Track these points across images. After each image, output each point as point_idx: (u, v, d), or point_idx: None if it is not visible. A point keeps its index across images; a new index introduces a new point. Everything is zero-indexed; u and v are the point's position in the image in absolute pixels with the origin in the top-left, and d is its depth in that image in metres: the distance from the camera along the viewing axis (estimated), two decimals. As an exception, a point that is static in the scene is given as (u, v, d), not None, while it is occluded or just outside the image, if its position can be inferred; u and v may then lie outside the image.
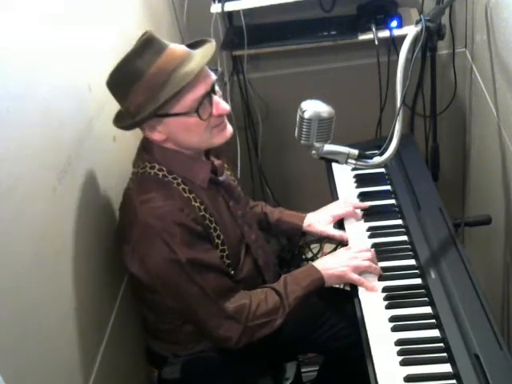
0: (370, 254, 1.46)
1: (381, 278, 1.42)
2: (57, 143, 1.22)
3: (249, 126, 2.43)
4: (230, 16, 2.25)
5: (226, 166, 1.54)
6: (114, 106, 1.37)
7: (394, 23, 2.08)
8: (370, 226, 1.59)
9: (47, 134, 1.18)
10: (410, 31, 1.44)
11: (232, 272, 1.44)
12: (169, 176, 1.36)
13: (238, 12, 2.11)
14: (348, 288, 1.52)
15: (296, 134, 1.33)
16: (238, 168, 2.35)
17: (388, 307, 1.34)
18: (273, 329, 1.40)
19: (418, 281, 1.39)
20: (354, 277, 1.42)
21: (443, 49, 2.23)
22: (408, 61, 1.35)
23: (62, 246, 1.21)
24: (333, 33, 2.13)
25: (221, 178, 1.47)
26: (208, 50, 1.33)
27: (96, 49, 1.49)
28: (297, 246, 2.60)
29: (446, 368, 1.17)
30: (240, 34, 2.14)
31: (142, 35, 1.29)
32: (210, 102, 1.31)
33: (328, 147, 1.32)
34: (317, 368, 1.84)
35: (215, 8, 2.09)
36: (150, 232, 1.30)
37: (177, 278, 1.32)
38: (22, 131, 1.08)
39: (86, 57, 1.42)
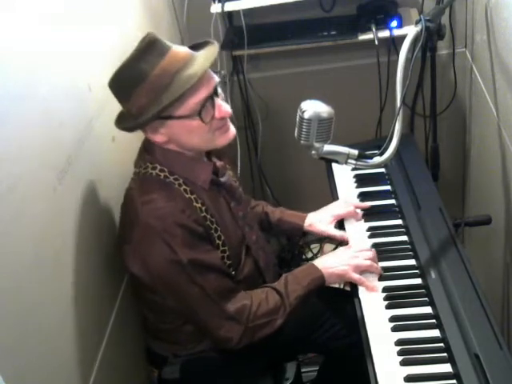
0: (371, 253, 1.45)
1: (381, 278, 1.42)
2: (57, 143, 1.22)
3: (249, 126, 2.43)
4: (230, 16, 2.25)
5: (227, 166, 1.54)
6: (114, 107, 1.37)
7: (394, 23, 2.08)
8: (370, 226, 1.59)
9: (47, 134, 1.18)
10: (410, 31, 1.44)
11: (233, 273, 1.44)
12: (170, 177, 1.36)
13: (238, 12, 2.11)
14: (348, 288, 1.52)
15: (296, 134, 1.32)
16: (238, 168, 2.35)
17: (388, 307, 1.33)
18: (273, 329, 1.40)
19: (418, 281, 1.39)
20: (355, 276, 1.42)
21: (443, 49, 2.23)
22: (408, 61, 1.35)
23: (62, 246, 1.21)
24: (333, 33, 2.13)
25: (222, 179, 1.47)
26: (211, 52, 1.33)
27: (96, 49, 1.49)
28: (297, 246, 2.60)
29: (446, 368, 1.17)
30: (240, 33, 2.14)
31: (145, 37, 1.29)
32: (213, 105, 1.31)
33: (328, 147, 1.31)
34: (317, 368, 1.84)
35: (215, 8, 2.09)
36: (151, 232, 1.30)
37: (178, 278, 1.32)
38: (21, 131, 1.08)
39: (85, 57, 1.42)
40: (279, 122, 2.40)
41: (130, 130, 1.35)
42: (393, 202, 1.67)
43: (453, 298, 1.29)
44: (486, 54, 1.77)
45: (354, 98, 2.29)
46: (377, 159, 1.33)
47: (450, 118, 2.32)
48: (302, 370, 1.77)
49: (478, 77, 1.95)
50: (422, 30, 1.45)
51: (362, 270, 1.43)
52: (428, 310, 1.31)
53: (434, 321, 1.28)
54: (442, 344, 1.22)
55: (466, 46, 2.19)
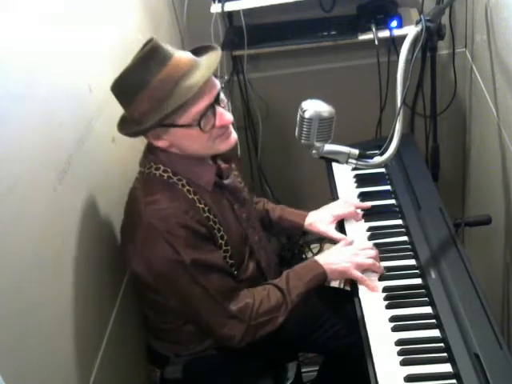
0: (374, 252, 1.46)
1: (381, 278, 1.42)
2: (57, 143, 1.22)
3: (249, 126, 2.43)
4: (230, 16, 2.25)
5: (233, 167, 1.54)
6: (114, 107, 1.37)
7: (394, 23, 2.08)
8: (370, 226, 1.59)
9: (47, 134, 1.18)
10: (410, 31, 1.44)
11: (235, 272, 1.44)
12: (174, 177, 1.37)
13: (238, 12, 2.11)
14: (348, 288, 1.52)
15: (296, 134, 1.32)
16: (239, 168, 2.36)
17: (388, 307, 1.33)
18: (275, 326, 1.40)
19: (418, 281, 1.39)
20: (357, 274, 1.41)
21: (443, 49, 2.23)
22: (408, 61, 1.35)
23: (62, 246, 1.21)
24: (333, 33, 2.14)
25: (226, 182, 1.47)
26: (213, 58, 1.33)
27: (96, 49, 1.49)
28: (297, 245, 2.60)
29: (446, 368, 1.17)
30: (240, 33, 2.14)
31: (146, 43, 1.28)
32: (214, 113, 1.31)
33: (328, 147, 1.32)
34: (317, 368, 1.84)
35: (215, 8, 2.09)
36: (154, 233, 1.30)
37: (180, 278, 1.33)
38: (22, 131, 1.08)
39: (86, 57, 1.41)
40: (279, 121, 2.40)
41: (132, 135, 1.36)
42: (393, 202, 1.67)
43: (453, 298, 1.29)
44: (486, 54, 1.77)
45: (353, 98, 2.29)
46: (377, 159, 1.33)
47: (450, 118, 2.32)
48: (302, 370, 1.77)
49: (478, 77, 1.95)
50: (422, 30, 1.45)
51: (365, 269, 1.43)
52: (428, 310, 1.31)
53: (434, 321, 1.28)
54: (442, 344, 1.22)
55: (466, 46, 2.19)
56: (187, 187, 1.37)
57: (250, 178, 2.51)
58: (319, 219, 1.66)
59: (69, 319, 1.22)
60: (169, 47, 1.30)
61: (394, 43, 2.18)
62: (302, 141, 1.31)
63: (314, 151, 1.32)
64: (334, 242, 1.63)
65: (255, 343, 1.40)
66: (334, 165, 1.78)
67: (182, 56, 1.31)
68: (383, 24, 2.08)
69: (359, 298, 1.38)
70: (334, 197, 1.74)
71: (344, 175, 1.80)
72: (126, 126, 1.36)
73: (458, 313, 1.25)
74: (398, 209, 1.63)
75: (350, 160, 1.33)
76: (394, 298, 1.35)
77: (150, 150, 1.40)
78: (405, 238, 1.52)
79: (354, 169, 1.77)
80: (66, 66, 1.31)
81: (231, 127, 1.38)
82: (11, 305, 1.00)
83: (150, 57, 1.27)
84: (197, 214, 1.35)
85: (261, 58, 2.32)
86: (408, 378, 1.16)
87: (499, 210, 1.71)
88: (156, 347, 1.54)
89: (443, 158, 2.13)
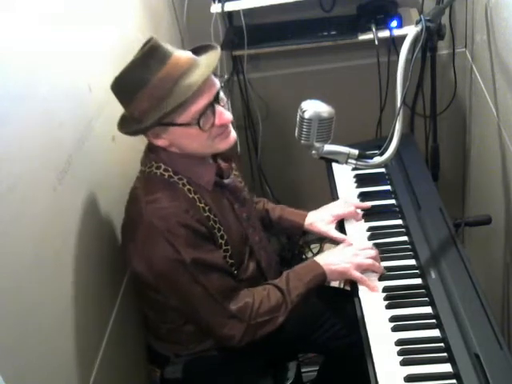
0: (374, 252, 1.46)
1: (381, 278, 1.42)
2: (57, 143, 1.22)
3: (249, 126, 2.43)
4: (230, 16, 2.25)
5: (233, 167, 1.54)
6: (114, 107, 1.37)
7: (394, 23, 2.08)
8: (370, 226, 1.59)
9: (47, 134, 1.18)
10: (410, 31, 1.44)
11: (235, 272, 1.44)
12: (174, 177, 1.37)
13: (238, 12, 2.11)
14: (348, 288, 1.52)
15: (296, 134, 1.33)
16: (239, 168, 2.36)
17: (388, 307, 1.34)
18: (275, 326, 1.40)
19: (418, 281, 1.39)
20: (357, 274, 1.42)
21: (443, 49, 2.23)
22: (408, 61, 1.35)
23: (62, 246, 1.21)
24: (333, 33, 2.13)
25: (226, 181, 1.47)
26: (212, 58, 1.33)
27: (96, 49, 1.49)
28: (297, 245, 2.60)
29: (446, 368, 1.17)
30: (240, 33, 2.14)
31: (146, 42, 1.29)
32: (213, 112, 1.31)
33: (328, 147, 1.32)
34: (317, 368, 1.84)
35: (215, 8, 2.09)
36: (155, 232, 1.30)
37: (180, 278, 1.33)
38: (22, 131, 1.08)
39: (86, 57, 1.42)
40: (279, 121, 2.40)
41: (132, 134, 1.36)
42: (393, 202, 1.67)
43: (453, 297, 1.29)
44: (486, 54, 1.77)
45: (354, 98, 2.29)
46: (377, 159, 1.33)
47: (450, 118, 2.32)
48: (302, 369, 1.77)
49: (478, 77, 1.95)
50: (422, 30, 1.45)
51: (364, 269, 1.43)
52: (428, 309, 1.31)
53: (434, 321, 1.28)
54: (442, 344, 1.22)
55: (466, 46, 2.19)
56: (188, 186, 1.37)
57: (250, 178, 2.51)
58: (319, 219, 1.66)
59: (69, 319, 1.22)
60: (168, 46, 1.30)
61: (394, 43, 2.18)
62: (302, 141, 1.31)
63: (313, 151, 1.32)
64: (334, 241, 1.63)
65: (255, 343, 1.40)
66: (334, 165, 1.78)
67: (182, 55, 1.31)
68: (383, 24, 2.08)
69: (359, 298, 1.38)
70: (333, 197, 1.74)
71: (344, 175, 1.80)
72: (126, 124, 1.36)
73: (458, 313, 1.25)
74: (398, 209, 1.63)
75: (349, 160, 1.33)
76: (393, 297, 1.35)
77: (151, 149, 1.40)
78: (405, 238, 1.52)
79: (353, 169, 1.77)
80: (66, 65, 1.31)
81: (230, 126, 1.38)
82: (11, 305, 1.00)
83: (150, 56, 1.27)
84: (197, 214, 1.35)
85: (261, 58, 2.32)
86: (408, 378, 1.16)
87: (499, 210, 1.71)
88: (156, 347, 1.54)
89: (443, 158, 2.13)
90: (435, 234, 1.47)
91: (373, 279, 1.41)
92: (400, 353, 1.22)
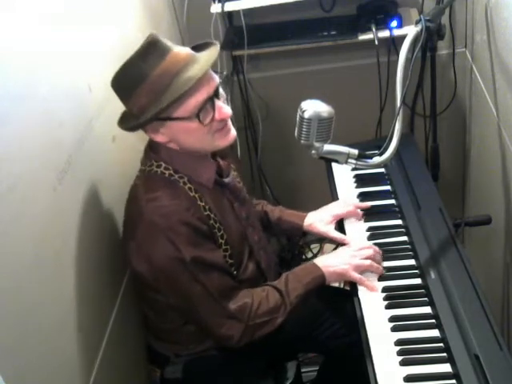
0: (372, 251, 1.45)
1: (381, 278, 1.42)
2: (57, 143, 1.22)
3: (249, 126, 2.43)
4: (230, 16, 2.25)
5: (232, 166, 1.54)
6: (114, 107, 1.37)
7: (394, 23, 2.08)
8: (370, 226, 1.59)
9: (47, 134, 1.18)
10: (410, 31, 1.44)
11: (234, 272, 1.44)
12: (175, 175, 1.37)
13: (238, 12, 2.11)
14: (348, 288, 1.52)
15: (296, 134, 1.33)
16: (239, 168, 2.36)
17: (388, 307, 1.34)
18: (274, 327, 1.40)
19: (418, 281, 1.39)
20: (355, 275, 1.42)
21: (443, 49, 2.23)
22: (408, 61, 1.35)
23: (62, 246, 1.21)
24: (333, 33, 2.13)
25: (226, 180, 1.47)
26: (212, 53, 1.33)
27: (96, 49, 1.49)
28: (297, 246, 2.60)
29: (446, 368, 1.17)
30: (240, 33, 2.14)
31: (147, 38, 1.29)
32: (213, 107, 1.31)
33: (328, 147, 1.32)
34: (317, 368, 1.84)
35: (215, 8, 2.09)
36: (155, 230, 1.30)
37: (180, 276, 1.33)
38: (22, 131, 1.08)
39: (85, 57, 1.42)
40: (279, 121, 2.40)
41: (130, 129, 1.35)
42: (393, 202, 1.67)
43: (453, 298, 1.29)
44: (486, 54, 1.77)
45: (354, 98, 2.29)
46: (377, 159, 1.33)
47: (450, 118, 2.32)
48: (302, 369, 1.77)
49: (478, 77, 1.95)
50: (422, 30, 1.45)
51: (363, 270, 1.43)
52: (428, 310, 1.31)
53: (433, 321, 1.28)
54: (441, 344, 1.22)
55: (466, 46, 2.19)
56: (188, 185, 1.37)
57: (250, 178, 2.51)
58: (318, 219, 1.66)
59: (69, 319, 1.22)
60: (168, 42, 1.31)
61: (394, 43, 2.18)
62: (302, 141, 1.31)
63: (313, 151, 1.32)
64: (333, 242, 1.63)
65: (255, 343, 1.40)
66: (334, 165, 1.78)
67: (181, 51, 1.31)
68: (383, 24, 2.08)
69: (359, 298, 1.38)
70: (333, 197, 1.74)
71: (344, 175, 1.80)
72: (125, 120, 1.36)
73: (457, 313, 1.25)
74: (397, 209, 1.63)
75: (349, 160, 1.33)
76: (393, 298, 1.36)
77: (152, 147, 1.40)
78: (405, 238, 1.52)
79: (353, 169, 1.77)
80: (66, 65, 1.31)
81: (230, 123, 1.38)
82: (11, 305, 1.00)
83: (149, 50, 1.27)
84: (198, 212, 1.35)
85: (261, 58, 2.32)
86: (407, 378, 1.16)
87: (499, 210, 1.71)
88: (156, 347, 1.54)
89: (443, 158, 2.13)
90: (435, 234, 1.47)
91: (372, 279, 1.41)
92: (399, 353, 1.22)
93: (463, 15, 2.11)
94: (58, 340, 1.16)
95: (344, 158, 1.33)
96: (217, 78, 1.34)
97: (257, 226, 1.59)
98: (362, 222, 1.62)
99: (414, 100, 2.34)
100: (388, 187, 1.72)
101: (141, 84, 1.27)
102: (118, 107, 1.36)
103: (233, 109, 1.39)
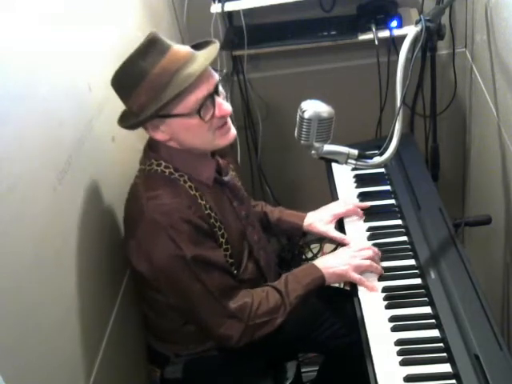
0: (372, 251, 1.45)
1: (381, 278, 1.42)
2: (57, 143, 1.22)
3: (249, 126, 2.43)
4: (230, 16, 2.25)
5: (231, 166, 1.54)
6: (114, 106, 1.37)
7: (394, 23, 2.08)
8: (370, 226, 1.59)
9: (47, 134, 1.18)
10: (410, 31, 1.44)
11: (235, 272, 1.44)
12: (175, 173, 1.37)
13: (238, 12, 2.11)
14: (348, 288, 1.52)
15: (296, 134, 1.33)
16: (238, 168, 2.36)
17: (388, 307, 1.34)
18: (274, 327, 1.40)
19: (418, 281, 1.39)
20: (355, 276, 1.42)
21: (443, 49, 2.23)
22: (408, 61, 1.35)
23: (63, 246, 1.21)
24: (333, 33, 2.13)
25: (225, 178, 1.47)
26: (211, 51, 1.34)
27: (96, 49, 1.49)
28: (297, 246, 2.60)
29: (446, 368, 1.17)
30: (240, 33, 2.14)
31: (147, 36, 1.29)
32: (213, 103, 1.31)
33: (328, 147, 1.32)
34: (317, 368, 1.84)
35: (215, 8, 2.09)
36: (156, 228, 1.30)
37: (180, 274, 1.33)
38: (22, 131, 1.08)
39: (85, 57, 1.42)
40: (279, 121, 2.40)
41: (130, 127, 1.35)
42: (393, 202, 1.67)
43: (453, 298, 1.29)
44: (486, 54, 1.77)
45: (354, 98, 2.29)
46: (377, 159, 1.33)
47: (450, 118, 2.32)
48: (302, 369, 1.77)
49: (478, 77, 1.95)
50: (422, 30, 1.45)
51: (363, 270, 1.43)
52: (428, 310, 1.31)
53: (433, 321, 1.28)
54: (441, 344, 1.22)
55: (466, 46, 2.19)
56: (189, 183, 1.37)
57: (249, 179, 2.51)
58: (318, 219, 1.66)
59: (69, 319, 1.22)
60: (168, 40, 1.31)
61: (394, 43, 2.18)
62: (302, 141, 1.31)
63: (313, 151, 1.32)
64: (333, 241, 1.63)
65: (255, 343, 1.40)
66: (334, 165, 1.78)
67: (181, 48, 1.31)
68: (383, 24, 2.08)
69: (359, 298, 1.38)
70: (333, 197, 1.74)
71: (344, 175, 1.80)
72: (125, 119, 1.36)
73: (457, 313, 1.25)
74: (397, 209, 1.63)
75: (349, 160, 1.33)
76: (393, 298, 1.36)
77: (151, 147, 1.40)
78: (404, 238, 1.52)
79: (353, 169, 1.77)
80: (66, 65, 1.31)
81: (230, 122, 1.38)
82: (11, 305, 1.00)
83: (149, 48, 1.27)
84: (199, 210, 1.35)
85: (261, 58, 2.32)
86: (407, 378, 1.16)
87: (499, 210, 1.71)
88: (156, 347, 1.54)
89: (443, 158, 2.13)
90: (435, 234, 1.47)
91: (372, 279, 1.41)
92: (399, 353, 1.22)
93: (463, 15, 2.11)
94: (57, 340, 1.16)
95: (344, 158, 1.33)
96: (216, 76, 1.34)
97: (256, 226, 1.59)
98: (362, 221, 1.62)
99: (414, 100, 2.34)
100: (388, 187, 1.72)
101: (141, 82, 1.27)
102: (117, 107, 1.36)
103: (233, 109, 1.39)
